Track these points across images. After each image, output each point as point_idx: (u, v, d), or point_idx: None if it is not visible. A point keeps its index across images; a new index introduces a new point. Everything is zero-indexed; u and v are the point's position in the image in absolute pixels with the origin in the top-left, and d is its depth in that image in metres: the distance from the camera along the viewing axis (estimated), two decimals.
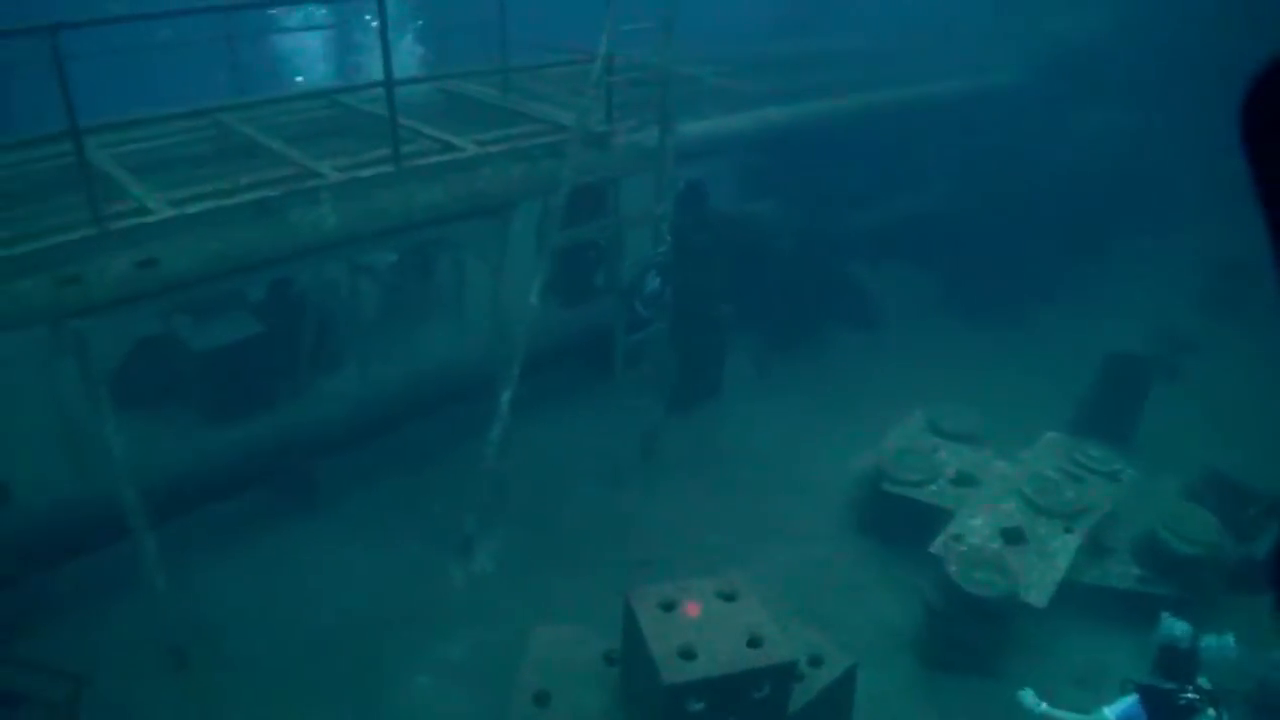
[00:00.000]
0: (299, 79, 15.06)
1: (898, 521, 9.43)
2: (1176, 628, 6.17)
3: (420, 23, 11.95)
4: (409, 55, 11.90)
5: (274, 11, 12.05)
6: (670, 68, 8.95)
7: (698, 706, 5.76)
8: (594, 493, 10.11)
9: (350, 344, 11.75)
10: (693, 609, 6.26)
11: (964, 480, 9.59)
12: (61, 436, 9.63)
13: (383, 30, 7.39)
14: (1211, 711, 5.82)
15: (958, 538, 8.71)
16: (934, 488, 9.53)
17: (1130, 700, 6.01)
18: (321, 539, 9.46)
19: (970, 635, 8.18)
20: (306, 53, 13.56)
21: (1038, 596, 8.18)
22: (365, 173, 7.73)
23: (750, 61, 13.66)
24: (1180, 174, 17.03)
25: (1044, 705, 6.42)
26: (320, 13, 12.41)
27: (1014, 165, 14.21)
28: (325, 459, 10.15)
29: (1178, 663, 6.08)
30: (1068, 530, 8.93)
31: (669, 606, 6.32)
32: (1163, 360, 13.20)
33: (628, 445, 10.48)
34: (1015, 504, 9.20)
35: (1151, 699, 5.93)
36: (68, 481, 9.15)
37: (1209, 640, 6.26)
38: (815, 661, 6.69)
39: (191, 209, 7.08)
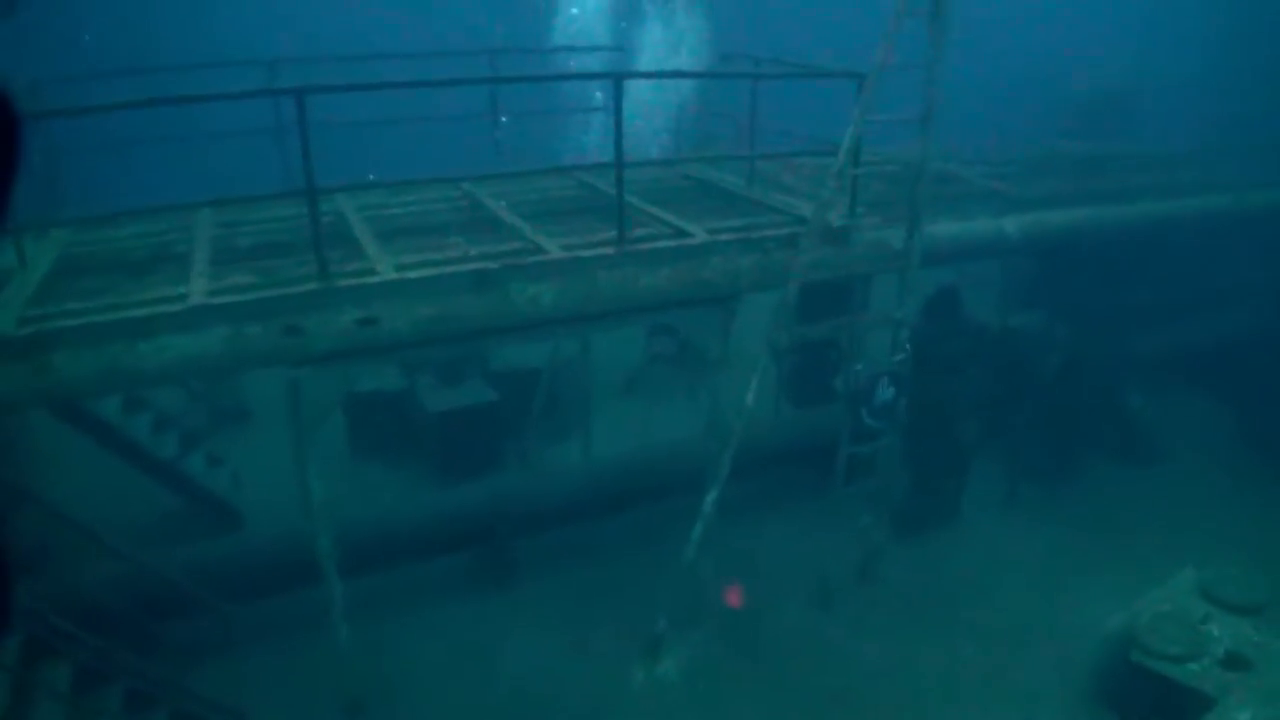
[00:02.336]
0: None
1: (1146, 701, 8.02)
2: None
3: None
4: (653, 139, 11.86)
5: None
6: (926, 163, 8.29)
7: None
8: (799, 613, 9.33)
9: (579, 417, 11.70)
10: None
11: (1236, 662, 8.03)
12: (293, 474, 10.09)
13: (616, 112, 7.27)
14: None
15: None
16: (1196, 667, 8.03)
17: None
18: (512, 617, 9.28)
19: None
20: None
21: None
22: (587, 253, 7.58)
23: (1030, 162, 12.64)
24: None
25: None
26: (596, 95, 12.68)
27: None
28: (537, 534, 10.04)
29: None
30: None
31: None
32: None
33: (845, 566, 9.65)
34: None
35: None
36: (294, 517, 9.53)
37: None
38: None
39: (413, 274, 7.18)
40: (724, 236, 8.12)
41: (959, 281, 10.83)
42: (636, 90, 12.07)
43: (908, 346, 8.80)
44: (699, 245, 7.92)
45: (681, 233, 8.17)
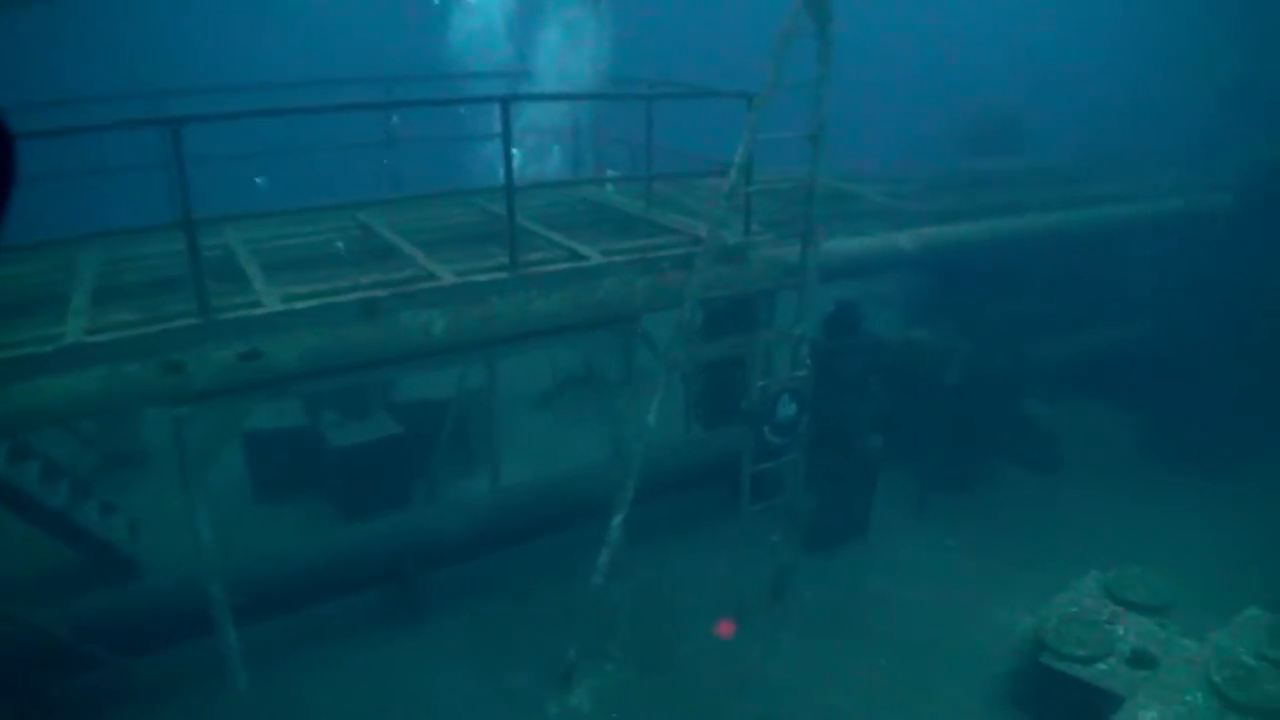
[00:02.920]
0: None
1: (1058, 702, 8.11)
2: None
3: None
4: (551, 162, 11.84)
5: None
6: (817, 180, 8.36)
7: None
8: (713, 635, 9.24)
9: (488, 447, 11.52)
10: None
11: (1142, 660, 8.16)
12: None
13: (505, 135, 7.20)
14: None
15: None
16: (1103, 666, 8.14)
17: None
18: (420, 656, 9.02)
19: None
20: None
21: None
22: (480, 278, 7.47)
23: (926, 180, 12.90)
24: None
25: None
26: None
27: (1235, 296, 12.70)
28: (447, 568, 9.81)
29: None
30: None
31: None
32: None
33: (757, 585, 9.61)
34: (1202, 695, 7.72)
35: None
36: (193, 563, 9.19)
37: None
38: None
39: (299, 305, 6.99)
40: (618, 258, 8.08)
41: (859, 297, 10.94)
42: (537, 113, 12.07)
43: (808, 362, 8.83)
44: (593, 267, 7.87)
45: (576, 255, 8.10)
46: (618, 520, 8.31)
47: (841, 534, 10.53)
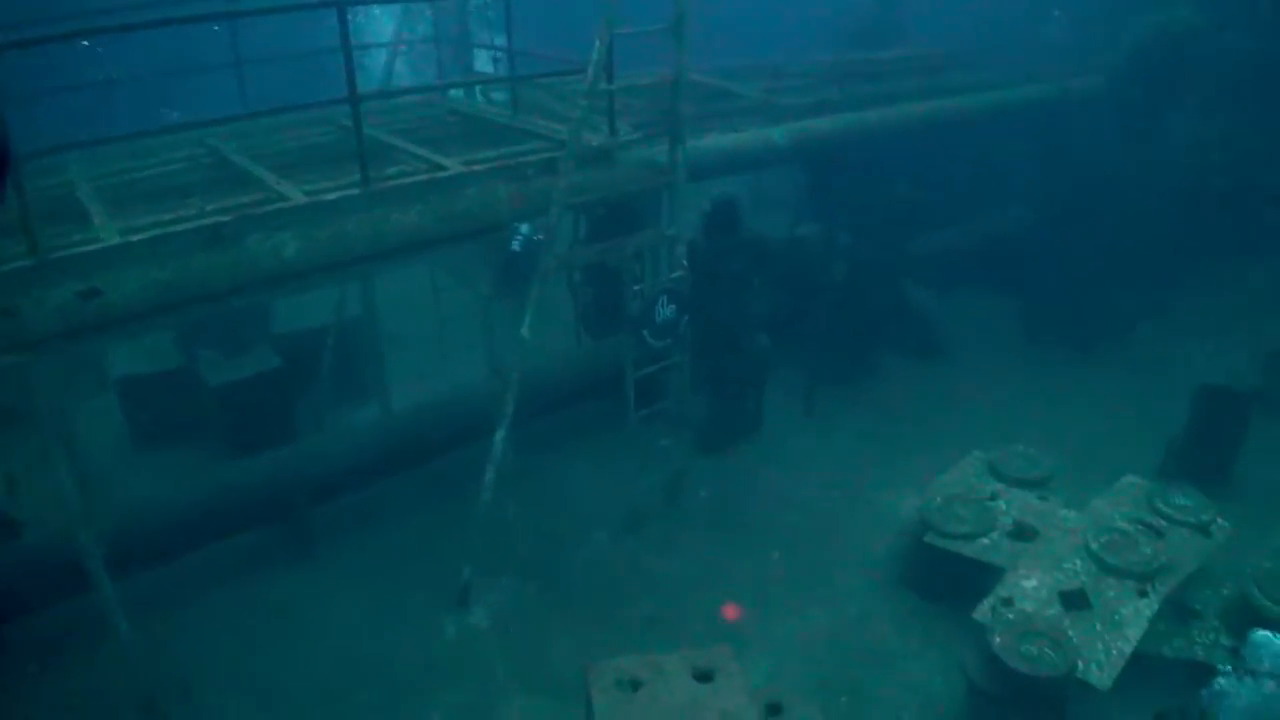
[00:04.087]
0: None
1: (944, 579, 8.33)
2: None
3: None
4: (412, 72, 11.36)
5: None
6: (682, 74, 8.15)
7: None
8: (608, 543, 9.26)
9: (375, 372, 11.23)
10: None
11: (1023, 533, 8.42)
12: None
13: (344, 43, 6.82)
14: None
15: (1007, 601, 7.57)
16: (986, 541, 8.37)
17: None
18: (314, 588, 8.86)
19: (1019, 718, 7.04)
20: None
21: (1101, 675, 6.98)
22: (331, 195, 7.14)
23: (805, 74, 12.75)
24: None
25: None
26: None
27: (1102, 180, 12.92)
28: (338, 498, 9.61)
29: None
30: (1142, 594, 7.70)
31: (633, 685, 5.46)
32: (1270, 392, 11.70)
33: (652, 490, 9.62)
34: (1080, 562, 8.00)
35: None
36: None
37: None
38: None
39: (138, 236, 6.59)
40: (479, 167, 7.79)
41: (750, 197, 10.85)
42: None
43: (684, 263, 8.72)
44: (452, 177, 7.58)
45: (437, 167, 7.80)
46: (500, 435, 8.19)
47: (734, 433, 10.59)
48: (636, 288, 8.49)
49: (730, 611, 8.42)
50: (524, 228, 11.45)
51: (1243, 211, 14.09)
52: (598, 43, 7.61)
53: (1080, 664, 6.99)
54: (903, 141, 11.89)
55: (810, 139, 10.51)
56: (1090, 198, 12.90)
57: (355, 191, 7.16)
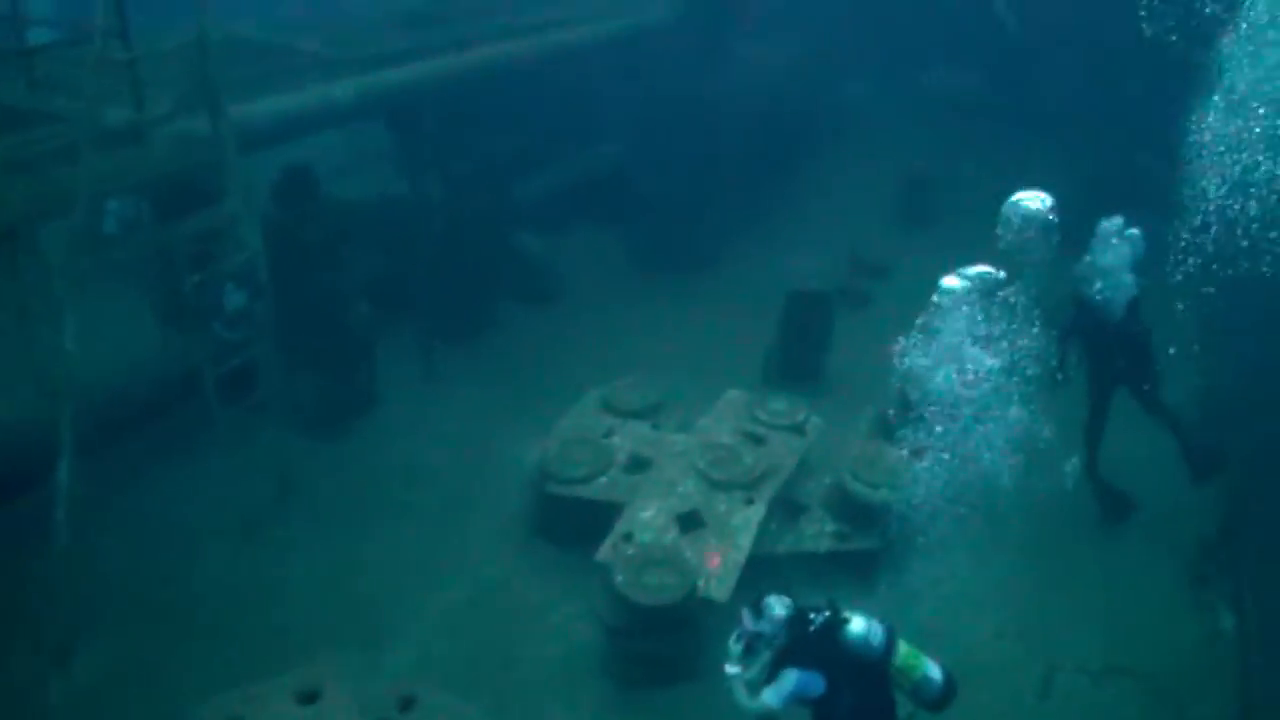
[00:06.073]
0: None
1: (572, 525, 8.34)
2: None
3: None
4: None
5: None
6: (209, 32, 7.29)
7: None
8: (223, 554, 8.41)
9: None
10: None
11: (638, 465, 8.60)
12: None
13: None
14: None
15: (628, 537, 7.71)
16: (604, 480, 8.48)
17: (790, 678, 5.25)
18: None
19: (654, 648, 7.22)
20: None
21: (719, 589, 7.29)
22: None
23: (369, 22, 12.07)
24: (863, 99, 17.08)
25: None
26: None
27: (683, 107, 13.39)
28: None
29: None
30: (749, 502, 8.12)
31: None
32: (852, 290, 12.82)
33: (263, 489, 8.87)
34: (692, 483, 8.30)
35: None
36: None
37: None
38: None
39: None
40: None
41: (315, 159, 10.11)
42: None
43: (249, 243, 7.96)
44: None
45: None
46: (65, 464, 7.14)
47: (348, 412, 9.99)
48: (195, 278, 7.62)
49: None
50: (112, 204, 10.00)
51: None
52: (100, 3, 6.63)
53: (700, 583, 7.26)
54: (493, 85, 11.58)
55: (380, 93, 9.91)
56: (675, 126, 13.33)
57: None
